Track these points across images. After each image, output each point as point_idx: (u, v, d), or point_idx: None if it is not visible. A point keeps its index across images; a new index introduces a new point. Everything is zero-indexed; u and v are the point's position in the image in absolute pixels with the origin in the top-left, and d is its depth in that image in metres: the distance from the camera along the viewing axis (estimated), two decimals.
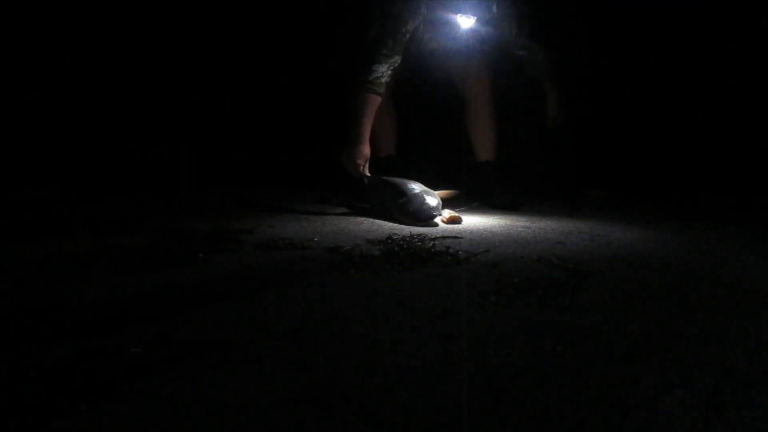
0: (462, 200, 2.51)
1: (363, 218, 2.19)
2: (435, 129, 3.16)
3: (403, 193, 2.15)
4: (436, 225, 2.07)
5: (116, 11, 3.16)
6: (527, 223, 2.17)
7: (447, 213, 2.17)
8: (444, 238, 1.83)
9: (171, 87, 3.28)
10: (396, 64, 2.41)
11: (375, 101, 2.39)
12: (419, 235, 1.85)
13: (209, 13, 3.26)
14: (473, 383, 0.83)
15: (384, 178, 2.32)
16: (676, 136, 3.14)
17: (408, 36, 2.41)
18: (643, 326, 1.08)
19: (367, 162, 2.39)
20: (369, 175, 2.38)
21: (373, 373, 0.85)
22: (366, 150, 2.37)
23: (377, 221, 2.14)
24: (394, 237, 1.80)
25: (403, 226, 2.04)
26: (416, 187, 2.18)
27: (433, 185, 2.31)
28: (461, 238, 1.85)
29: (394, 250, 1.61)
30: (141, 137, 3.22)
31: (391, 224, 2.08)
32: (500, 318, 1.10)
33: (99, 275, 1.35)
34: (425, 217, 2.08)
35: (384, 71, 2.37)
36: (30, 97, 3.10)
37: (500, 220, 2.23)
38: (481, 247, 1.71)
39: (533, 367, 0.89)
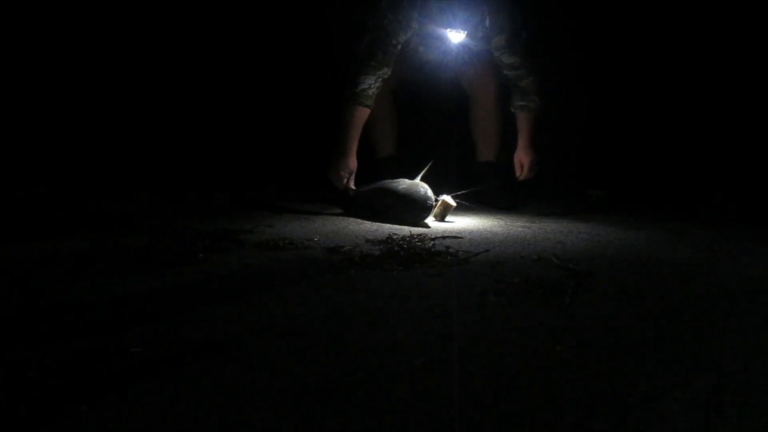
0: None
1: (363, 218, 2.19)
2: (436, 129, 3.15)
3: (396, 192, 2.14)
4: (428, 227, 2.06)
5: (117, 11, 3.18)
6: (527, 223, 2.17)
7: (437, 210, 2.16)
8: (444, 238, 1.83)
9: (170, 86, 3.28)
10: (385, 76, 2.38)
11: (363, 114, 2.36)
12: (419, 235, 1.85)
13: (211, 12, 3.27)
14: (473, 383, 0.83)
15: (369, 187, 2.30)
16: (677, 137, 3.13)
17: (399, 48, 2.39)
18: (642, 326, 1.08)
19: (352, 175, 2.37)
20: (353, 188, 2.36)
21: (373, 373, 0.85)
22: (351, 163, 2.36)
23: (377, 221, 2.13)
24: (394, 237, 1.80)
25: (403, 226, 2.04)
26: (403, 182, 2.18)
27: (434, 185, 2.31)
28: (461, 238, 1.85)
29: (394, 250, 1.61)
30: (140, 137, 3.22)
31: (390, 224, 2.08)
32: (500, 318, 1.10)
33: (99, 275, 1.35)
34: (429, 203, 2.07)
35: (372, 83, 2.35)
36: (30, 96, 3.10)
37: (500, 220, 2.23)
38: (481, 247, 1.71)
39: (533, 367, 0.89)
